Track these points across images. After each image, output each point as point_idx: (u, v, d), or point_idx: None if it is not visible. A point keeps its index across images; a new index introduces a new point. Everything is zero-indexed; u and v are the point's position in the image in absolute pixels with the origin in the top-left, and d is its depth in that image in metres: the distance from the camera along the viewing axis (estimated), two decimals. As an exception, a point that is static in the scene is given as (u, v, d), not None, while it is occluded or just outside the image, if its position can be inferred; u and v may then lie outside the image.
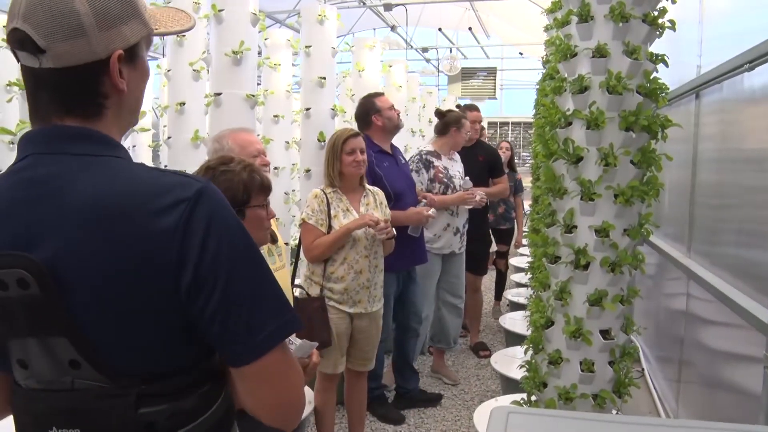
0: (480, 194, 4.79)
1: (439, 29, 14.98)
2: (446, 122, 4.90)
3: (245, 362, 1.11)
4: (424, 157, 4.78)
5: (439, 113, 5.03)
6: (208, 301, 1.07)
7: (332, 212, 3.51)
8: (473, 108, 5.85)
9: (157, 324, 1.08)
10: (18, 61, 1.10)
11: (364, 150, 3.60)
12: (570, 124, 2.39)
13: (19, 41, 1.06)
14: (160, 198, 1.06)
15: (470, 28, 15.02)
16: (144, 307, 1.06)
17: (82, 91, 1.10)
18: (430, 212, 4.19)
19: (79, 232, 1.04)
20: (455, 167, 4.90)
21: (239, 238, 1.12)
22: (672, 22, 2.32)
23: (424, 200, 4.48)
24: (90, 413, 1.08)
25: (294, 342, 1.90)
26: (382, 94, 4.52)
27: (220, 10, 4.28)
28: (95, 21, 1.06)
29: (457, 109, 5.40)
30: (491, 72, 15.89)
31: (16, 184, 1.10)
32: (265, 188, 2.14)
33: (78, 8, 1.05)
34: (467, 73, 15.65)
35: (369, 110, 4.35)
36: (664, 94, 2.32)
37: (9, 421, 1.21)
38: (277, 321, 1.12)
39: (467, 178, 4.90)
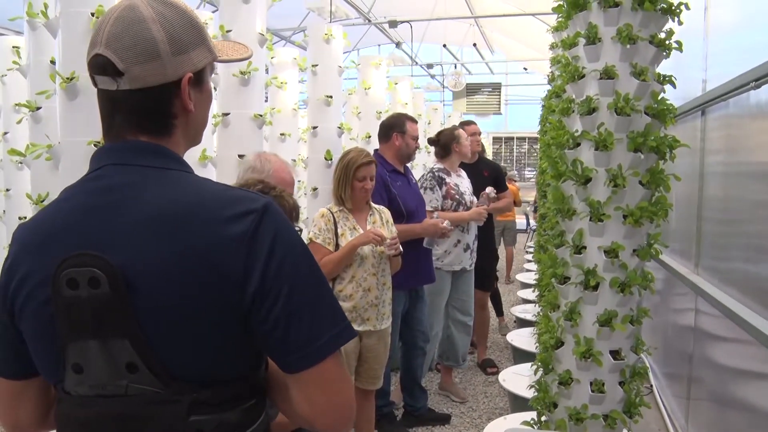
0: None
1: (444, 45, 15.07)
2: (444, 144, 4.95)
3: (304, 368, 1.15)
4: (436, 174, 4.81)
5: (432, 141, 5.08)
6: (272, 308, 1.11)
7: (339, 231, 3.52)
8: (469, 123, 5.89)
9: (216, 331, 1.12)
10: (95, 86, 1.19)
11: (374, 177, 3.63)
12: (578, 145, 2.40)
13: (100, 66, 1.15)
14: (228, 208, 1.13)
15: (475, 44, 15.12)
16: (206, 314, 1.10)
17: (155, 110, 1.19)
18: (445, 224, 4.23)
19: (150, 237, 1.10)
20: (464, 184, 4.93)
21: (301, 250, 1.19)
22: (679, 43, 2.34)
23: (435, 213, 4.53)
24: (141, 419, 1.10)
25: None
26: (415, 120, 4.59)
27: (228, 31, 4.31)
28: (169, 47, 1.16)
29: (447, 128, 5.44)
30: (496, 87, 15.96)
31: (91, 192, 1.17)
32: (298, 217, 2.30)
33: (155, 35, 1.15)
34: (472, 89, 15.72)
35: (395, 126, 4.43)
36: (671, 115, 2.33)
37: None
38: (333, 329, 1.17)
39: (491, 187, 5.01)
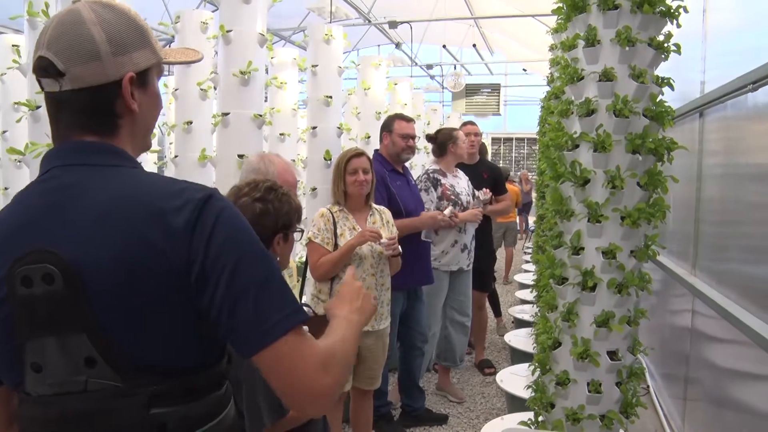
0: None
1: (444, 46, 15.08)
2: (441, 142, 4.95)
3: (254, 352, 1.15)
4: (431, 175, 4.82)
5: (429, 138, 5.08)
6: (215, 293, 1.13)
7: (338, 231, 3.53)
8: (469, 123, 5.90)
9: (170, 320, 1.14)
10: (42, 89, 1.22)
11: (367, 170, 3.62)
12: (577, 146, 2.41)
13: (43, 68, 1.18)
14: (172, 199, 1.15)
15: (474, 45, 15.12)
16: (158, 304, 1.12)
17: (98, 110, 1.21)
18: (446, 211, 4.28)
19: (99, 231, 1.12)
20: (461, 184, 4.93)
21: (244, 234, 1.20)
22: (677, 45, 2.35)
23: (450, 207, 4.55)
24: (102, 414, 1.11)
25: None
26: (409, 119, 4.57)
27: (228, 31, 4.32)
28: (109, 47, 1.19)
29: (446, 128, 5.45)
30: (495, 88, 15.96)
31: (41, 193, 1.19)
32: (300, 219, 2.27)
33: (95, 36, 1.18)
34: (471, 90, 15.72)
35: (384, 126, 4.51)
36: (670, 117, 2.34)
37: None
38: (282, 312, 1.16)
39: (486, 189, 4.99)
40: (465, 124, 5.87)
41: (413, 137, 4.43)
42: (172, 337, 1.15)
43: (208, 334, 1.18)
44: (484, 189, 5.04)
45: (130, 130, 1.26)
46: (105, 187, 1.17)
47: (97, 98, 1.20)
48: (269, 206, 2.10)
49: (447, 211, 4.35)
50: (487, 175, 5.59)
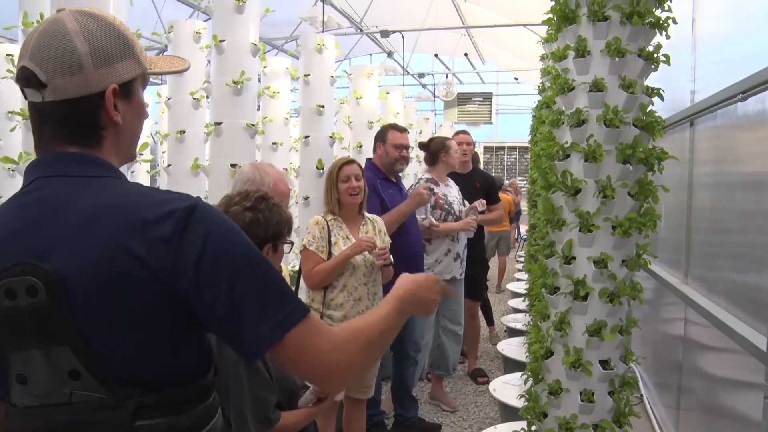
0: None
1: (435, 55, 15.12)
2: (433, 151, 4.97)
3: (260, 355, 1.17)
4: (425, 184, 4.82)
5: (422, 146, 5.10)
6: (215, 304, 1.13)
7: (332, 239, 3.53)
8: (461, 132, 5.91)
9: (154, 331, 1.14)
10: (26, 98, 1.21)
11: (359, 177, 3.63)
12: (568, 156, 2.42)
13: (25, 78, 1.18)
14: (155, 208, 1.14)
15: (466, 54, 15.16)
16: (142, 314, 1.12)
17: (81, 121, 1.21)
18: (428, 185, 4.32)
19: (82, 243, 1.11)
20: (453, 193, 4.94)
21: (236, 240, 1.19)
22: (667, 56, 2.37)
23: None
24: (86, 426, 1.11)
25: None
26: (402, 130, 4.57)
27: (221, 41, 4.34)
28: (92, 59, 1.18)
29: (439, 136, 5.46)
30: (487, 97, 16.02)
31: (24, 205, 1.19)
32: (290, 230, 2.28)
33: (78, 48, 1.17)
34: (463, 99, 15.78)
35: (378, 136, 4.50)
36: (660, 127, 2.35)
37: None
38: (282, 312, 1.17)
39: (482, 200, 5.02)
40: (458, 133, 5.88)
41: (407, 147, 4.43)
42: (157, 349, 1.15)
43: (195, 345, 1.19)
44: (481, 200, 5.04)
45: (114, 141, 1.25)
46: (87, 198, 1.16)
47: (80, 110, 1.19)
48: (260, 216, 2.11)
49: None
50: (479, 184, 5.60)
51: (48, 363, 1.11)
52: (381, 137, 4.44)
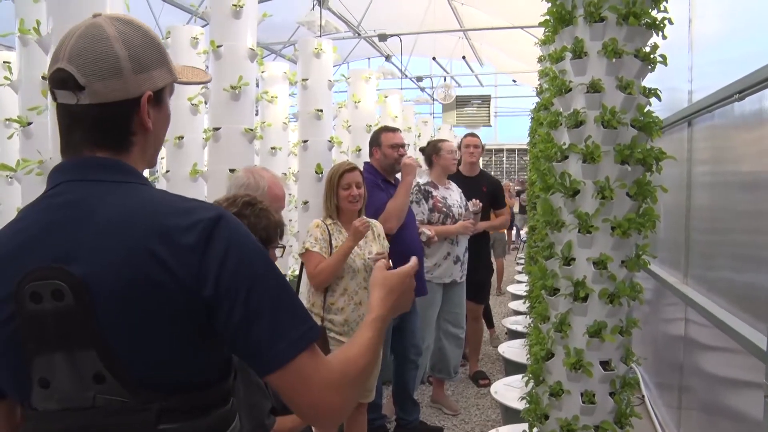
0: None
1: (433, 58, 15.13)
2: (427, 154, 5.03)
3: (271, 370, 1.17)
4: (422, 188, 4.83)
5: (421, 150, 5.16)
6: (231, 313, 1.14)
7: (333, 242, 3.53)
8: (469, 134, 5.91)
9: (177, 336, 1.14)
10: (55, 100, 1.22)
11: (360, 184, 3.63)
12: (566, 157, 2.42)
13: (61, 80, 1.18)
14: (182, 217, 1.16)
15: (464, 57, 15.21)
16: (165, 319, 1.12)
17: (114, 126, 1.22)
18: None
19: (108, 248, 1.12)
20: (453, 196, 4.94)
21: (257, 255, 1.20)
22: (663, 56, 2.37)
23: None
24: (109, 430, 1.11)
25: None
26: (394, 130, 4.58)
27: (218, 46, 4.34)
28: (131, 65, 1.19)
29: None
30: (485, 100, 15.98)
31: (51, 208, 1.18)
32: (283, 232, 2.25)
33: (118, 53, 1.18)
34: (462, 101, 15.74)
35: (372, 141, 4.49)
36: (657, 128, 2.36)
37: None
38: (297, 331, 1.18)
39: (476, 200, 4.99)
40: (466, 135, 5.87)
41: (402, 145, 4.42)
42: (180, 353, 1.15)
43: (216, 350, 1.19)
44: (474, 200, 5.03)
45: (142, 148, 1.26)
46: (113, 203, 1.17)
47: (115, 114, 1.20)
48: (245, 221, 2.09)
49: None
50: (486, 188, 5.58)
51: (72, 367, 1.10)
52: (375, 142, 4.43)
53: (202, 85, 4.78)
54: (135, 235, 1.12)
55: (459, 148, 5.73)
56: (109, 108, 1.19)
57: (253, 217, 2.09)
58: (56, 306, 1.09)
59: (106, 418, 1.11)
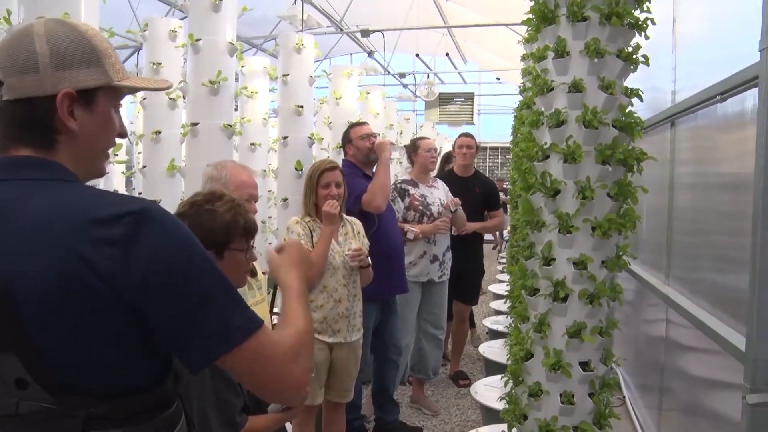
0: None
1: (417, 55, 15.09)
2: (407, 153, 5.04)
3: (203, 366, 1.16)
4: (399, 186, 4.82)
5: (406, 147, 5.15)
6: (162, 311, 1.11)
7: (315, 238, 3.49)
8: (463, 135, 5.84)
9: (105, 338, 1.10)
10: None
11: (340, 183, 3.59)
12: (547, 157, 2.40)
13: None
14: (103, 210, 1.12)
15: (447, 54, 15.17)
16: (90, 321, 1.08)
17: (33, 122, 1.19)
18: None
19: (29, 247, 1.09)
20: (435, 194, 4.90)
21: (187, 247, 1.17)
22: (646, 57, 2.35)
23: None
24: None
25: None
26: (361, 123, 4.57)
27: (197, 40, 4.28)
28: (50, 61, 1.17)
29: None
30: (469, 97, 16.01)
31: None
32: (249, 232, 2.07)
33: (37, 49, 1.17)
34: (445, 99, 15.76)
35: (343, 141, 4.47)
36: (639, 128, 2.34)
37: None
38: (242, 315, 1.17)
39: (456, 199, 4.94)
40: (460, 136, 5.81)
41: (373, 135, 4.40)
42: (109, 357, 1.11)
43: (148, 353, 1.16)
44: (454, 199, 4.96)
45: (71, 149, 1.22)
46: (37, 202, 1.13)
47: (32, 111, 1.18)
48: (186, 222, 1.92)
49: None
50: (479, 189, 5.55)
51: None
52: (346, 139, 4.41)
53: (180, 80, 4.73)
54: (58, 234, 1.09)
55: (454, 148, 5.71)
56: (28, 103, 1.18)
57: (195, 218, 1.96)
58: None
59: (30, 426, 1.07)
